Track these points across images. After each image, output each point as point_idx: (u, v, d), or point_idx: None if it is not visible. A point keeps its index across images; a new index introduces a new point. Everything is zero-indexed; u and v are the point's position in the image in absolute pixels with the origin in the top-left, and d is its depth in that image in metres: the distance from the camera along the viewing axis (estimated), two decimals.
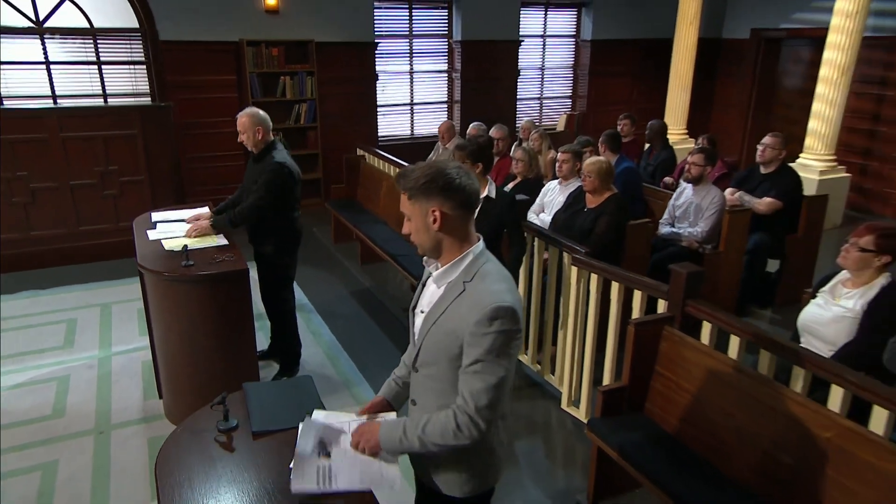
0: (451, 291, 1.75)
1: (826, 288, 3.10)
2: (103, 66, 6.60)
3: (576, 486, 3.18)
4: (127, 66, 6.71)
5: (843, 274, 3.06)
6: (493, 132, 5.89)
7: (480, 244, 1.80)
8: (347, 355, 4.46)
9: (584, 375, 3.61)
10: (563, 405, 3.77)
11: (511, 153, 5.94)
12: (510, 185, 5.33)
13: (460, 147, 3.34)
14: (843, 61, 6.47)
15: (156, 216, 4.12)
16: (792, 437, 2.34)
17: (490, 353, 1.64)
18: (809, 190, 6.54)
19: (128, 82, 6.76)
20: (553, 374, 3.98)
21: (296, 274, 4.14)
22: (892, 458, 2.05)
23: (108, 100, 6.69)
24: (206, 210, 4.16)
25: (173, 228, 3.85)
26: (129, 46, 6.65)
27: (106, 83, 6.64)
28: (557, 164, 4.80)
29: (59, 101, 6.46)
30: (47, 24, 6.25)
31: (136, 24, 6.56)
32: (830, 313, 2.98)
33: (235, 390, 3.48)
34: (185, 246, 3.40)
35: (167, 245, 3.59)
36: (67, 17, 6.32)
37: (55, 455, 3.40)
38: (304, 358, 4.29)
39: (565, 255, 3.71)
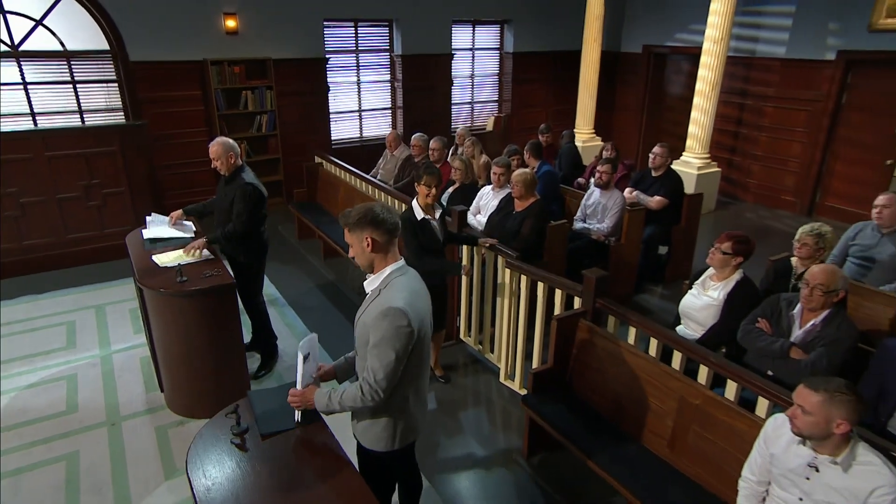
0: (372, 295, 2.13)
1: (699, 281, 3.51)
2: (78, 86, 6.35)
3: (513, 446, 3.48)
4: (100, 85, 6.47)
5: (711, 270, 3.46)
6: (432, 143, 6.05)
7: (400, 262, 2.15)
8: (320, 345, 4.56)
9: (517, 354, 3.92)
10: (501, 379, 4.07)
11: (448, 159, 6.16)
12: (450, 190, 5.55)
13: (430, 173, 3.49)
14: (713, 78, 6.93)
15: (146, 233, 4.10)
16: (672, 404, 2.74)
17: (383, 340, 2.00)
18: (689, 182, 7.09)
19: (101, 99, 6.52)
20: (492, 353, 4.29)
21: (264, 278, 4.24)
22: (740, 417, 2.48)
23: (84, 116, 6.45)
24: (190, 226, 4.20)
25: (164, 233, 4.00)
26: (101, 66, 6.41)
27: (81, 101, 6.40)
28: (494, 177, 5.00)
29: (37, 118, 6.20)
30: (22, 48, 5.98)
31: (106, 47, 6.33)
32: (701, 302, 3.40)
33: (227, 383, 3.69)
34: (179, 264, 3.50)
35: (159, 261, 3.65)
36: (42, 41, 6.04)
37: (75, 446, 3.45)
38: (281, 349, 4.37)
39: (500, 258, 4.00)
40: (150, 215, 4.25)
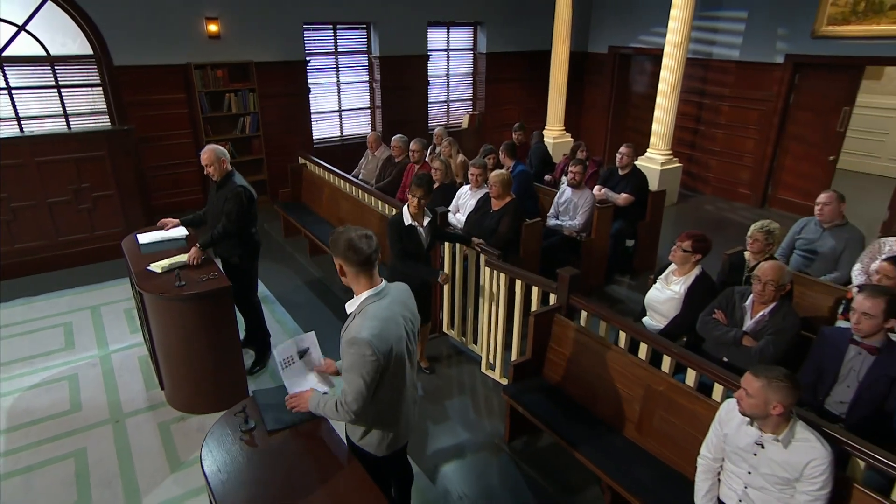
0: (348, 319, 2.18)
1: (662, 276, 3.72)
2: (62, 90, 6.25)
3: (495, 431, 3.64)
4: (84, 89, 6.38)
5: (673, 266, 3.68)
6: (412, 145, 6.12)
7: (378, 287, 2.15)
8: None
9: (497, 346, 4.08)
10: (483, 369, 4.23)
11: (427, 158, 6.26)
12: None
13: (418, 184, 3.61)
14: (673, 79, 7.16)
15: (142, 238, 4.12)
16: (639, 391, 2.94)
17: (352, 367, 2.05)
18: (653, 177, 7.34)
19: (86, 103, 6.43)
20: (476, 343, 4.44)
21: (257, 277, 4.28)
22: (699, 402, 2.69)
23: (69, 119, 6.36)
24: (182, 230, 4.23)
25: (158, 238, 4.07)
26: (85, 71, 6.32)
27: (66, 105, 6.30)
28: (472, 177, 5.12)
29: (23, 122, 6.10)
30: (5, 54, 5.85)
31: (90, 51, 6.24)
32: (664, 295, 3.61)
33: (225, 380, 3.78)
34: (178, 271, 3.57)
35: (154, 268, 3.69)
36: (25, 47, 5.93)
37: (82, 443, 3.51)
38: (273, 344, 4.35)
39: (481, 256, 4.13)
40: (141, 234, 4.22)
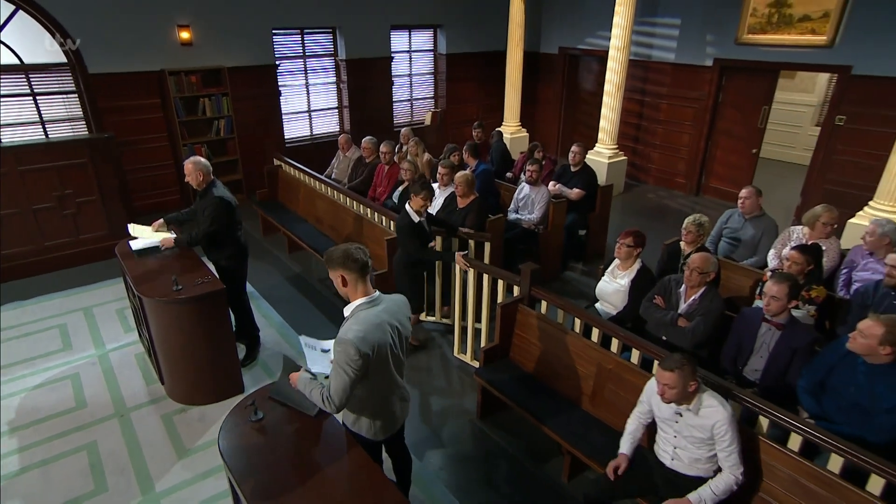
0: (343, 322, 2.34)
1: (609, 270, 4.05)
2: (38, 97, 6.09)
3: (468, 408, 3.91)
4: (60, 96, 6.23)
5: (617, 261, 4.00)
6: (382, 147, 6.24)
7: (369, 297, 2.28)
8: (295, 332, 4.75)
9: (468, 332, 4.33)
10: (455, 353, 4.48)
11: (396, 159, 6.42)
12: (400, 189, 5.85)
13: (428, 188, 3.99)
14: (618, 80, 7.50)
15: (135, 245, 4.19)
16: (592, 369, 3.27)
17: (337, 364, 2.18)
18: (602, 170, 7.71)
19: (62, 110, 6.29)
20: (449, 327, 4.68)
21: (246, 277, 4.39)
22: (641, 377, 3.01)
23: (46, 126, 6.22)
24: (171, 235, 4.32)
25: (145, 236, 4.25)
26: (60, 78, 6.17)
27: (42, 112, 6.15)
28: (440, 177, 5.35)
29: None
30: None
31: (64, 59, 6.09)
32: (612, 287, 3.95)
33: (221, 374, 3.95)
34: (175, 277, 3.69)
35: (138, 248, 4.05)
36: None
37: (92, 437, 3.61)
38: (262, 338, 4.56)
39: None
40: (129, 226, 4.32)
